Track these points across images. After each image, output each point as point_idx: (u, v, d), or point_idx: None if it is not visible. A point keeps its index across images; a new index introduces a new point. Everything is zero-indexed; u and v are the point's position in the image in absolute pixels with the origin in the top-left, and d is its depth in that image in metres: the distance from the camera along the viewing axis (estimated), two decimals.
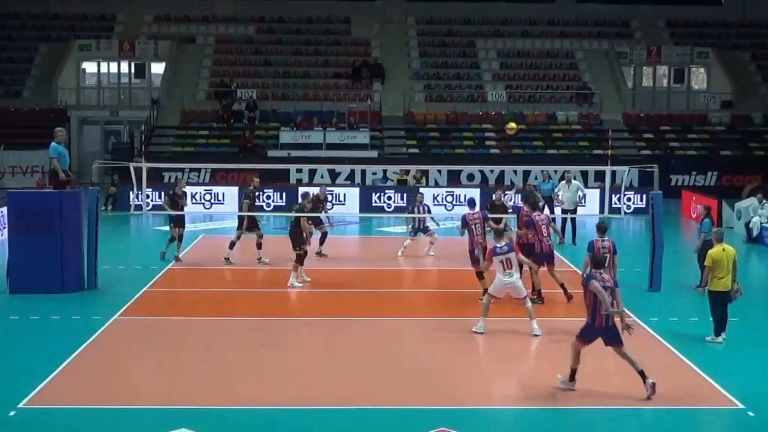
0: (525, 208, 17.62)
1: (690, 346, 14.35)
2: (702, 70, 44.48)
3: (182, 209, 21.52)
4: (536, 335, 14.70)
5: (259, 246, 20.88)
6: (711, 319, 14.69)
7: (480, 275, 16.72)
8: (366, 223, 29.25)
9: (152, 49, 42.69)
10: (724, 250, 14.45)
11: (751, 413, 11.42)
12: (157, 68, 42.92)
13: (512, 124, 22.48)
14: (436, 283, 18.14)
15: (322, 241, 21.98)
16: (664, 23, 46.43)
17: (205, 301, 17.50)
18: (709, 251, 14.51)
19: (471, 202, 18.40)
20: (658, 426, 11.18)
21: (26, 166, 36.39)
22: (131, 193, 24.32)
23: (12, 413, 11.04)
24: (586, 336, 12.12)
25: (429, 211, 22.83)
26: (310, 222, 21.71)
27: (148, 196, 26.09)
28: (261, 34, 45.00)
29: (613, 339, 12.02)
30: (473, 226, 16.98)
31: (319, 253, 21.75)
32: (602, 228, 14.90)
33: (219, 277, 19.72)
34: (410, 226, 22.85)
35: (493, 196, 21.99)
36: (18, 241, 17.69)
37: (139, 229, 27.60)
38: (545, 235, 16.95)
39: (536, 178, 31.61)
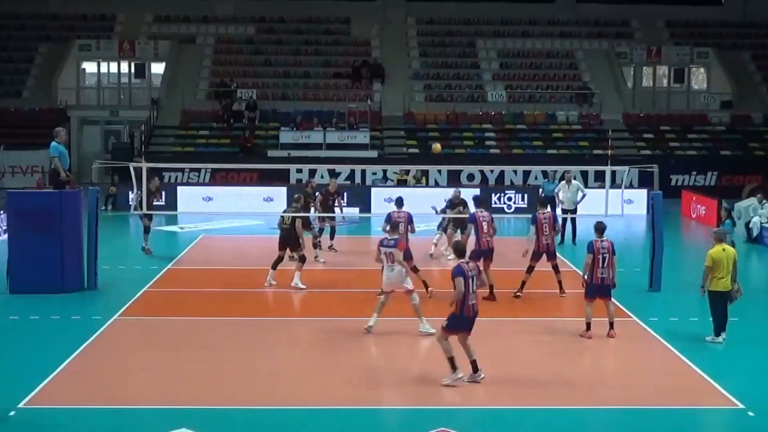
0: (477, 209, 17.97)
1: (690, 346, 14.35)
2: (702, 70, 44.46)
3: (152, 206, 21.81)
4: (428, 334, 14.64)
5: (314, 246, 21.20)
6: (711, 319, 14.69)
7: (415, 269, 17.06)
8: (365, 222, 29.23)
9: (152, 49, 42.68)
10: (724, 250, 14.46)
11: (751, 413, 11.42)
12: (157, 68, 42.89)
13: (437, 146, 23.17)
14: (437, 283, 18.10)
15: (332, 236, 22.50)
16: (664, 23, 46.43)
17: (204, 301, 17.49)
18: (709, 251, 14.51)
19: (399, 201, 18.64)
20: (658, 426, 11.17)
21: (26, 166, 36.35)
22: (131, 193, 24.32)
23: (12, 413, 11.05)
24: (452, 326, 12.27)
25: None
26: (323, 220, 21.83)
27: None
28: (261, 34, 44.99)
29: (471, 327, 12.32)
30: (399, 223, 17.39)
31: (330, 247, 22.37)
32: (600, 228, 14.92)
33: (219, 277, 19.70)
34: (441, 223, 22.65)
35: (452, 193, 22.42)
36: (18, 241, 17.69)
37: (139, 229, 27.49)
38: (485, 231, 17.17)
39: (536, 178, 31.68)
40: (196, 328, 15.40)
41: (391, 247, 14.80)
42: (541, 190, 26.04)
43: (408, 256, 16.98)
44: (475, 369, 12.25)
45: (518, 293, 17.66)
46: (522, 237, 23.75)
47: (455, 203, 21.95)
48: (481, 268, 12.73)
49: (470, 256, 16.58)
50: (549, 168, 28.15)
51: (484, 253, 17.21)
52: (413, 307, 14.84)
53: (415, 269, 17.10)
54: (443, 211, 21.83)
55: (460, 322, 12.24)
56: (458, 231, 21.88)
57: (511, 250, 22.89)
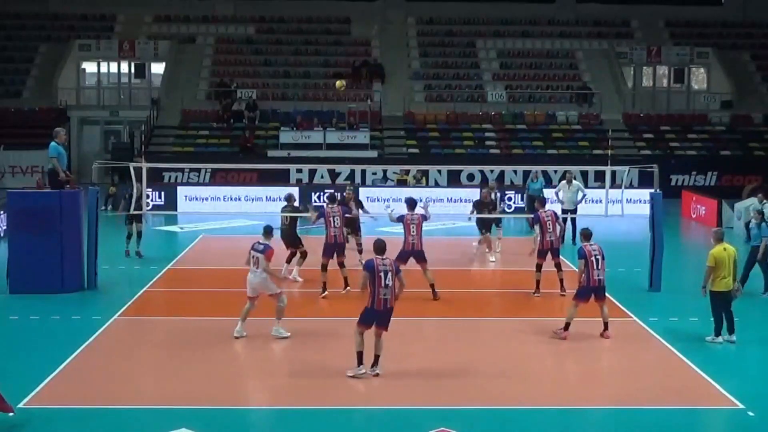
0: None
1: (690, 346, 14.35)
2: (702, 70, 44.47)
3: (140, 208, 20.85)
4: (281, 337, 14.54)
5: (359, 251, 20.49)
6: (712, 318, 14.69)
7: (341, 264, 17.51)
8: (362, 222, 29.11)
9: (152, 49, 42.68)
10: (725, 249, 14.45)
11: (751, 413, 11.42)
12: (157, 68, 42.90)
13: (340, 83, 22.25)
14: (437, 283, 18.12)
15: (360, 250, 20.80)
16: (664, 23, 46.43)
17: (205, 301, 17.50)
18: (711, 251, 14.48)
19: (331, 197, 18.89)
20: (659, 426, 11.16)
21: (26, 166, 36.34)
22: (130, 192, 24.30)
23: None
24: (364, 319, 12.60)
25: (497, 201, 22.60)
26: (349, 231, 20.17)
27: (148, 196, 26.07)
28: (261, 34, 44.99)
29: (386, 322, 12.63)
30: (331, 218, 17.56)
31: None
32: (587, 234, 15.03)
33: (219, 277, 19.68)
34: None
35: (482, 192, 22.00)
36: (18, 241, 17.70)
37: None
38: (411, 233, 17.30)
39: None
40: (196, 328, 15.39)
41: (259, 252, 14.43)
42: (526, 190, 26.02)
43: (341, 252, 17.58)
44: (375, 363, 12.58)
45: (536, 293, 17.73)
46: (521, 237, 23.76)
47: (485, 203, 21.53)
48: (399, 267, 13.04)
49: (397, 257, 16.73)
50: (534, 168, 28.22)
51: (409, 254, 17.33)
52: (277, 307, 14.57)
53: (341, 264, 17.46)
54: (471, 212, 21.44)
55: (371, 315, 12.58)
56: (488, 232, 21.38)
57: (510, 250, 22.93)
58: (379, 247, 12.89)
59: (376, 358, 12.61)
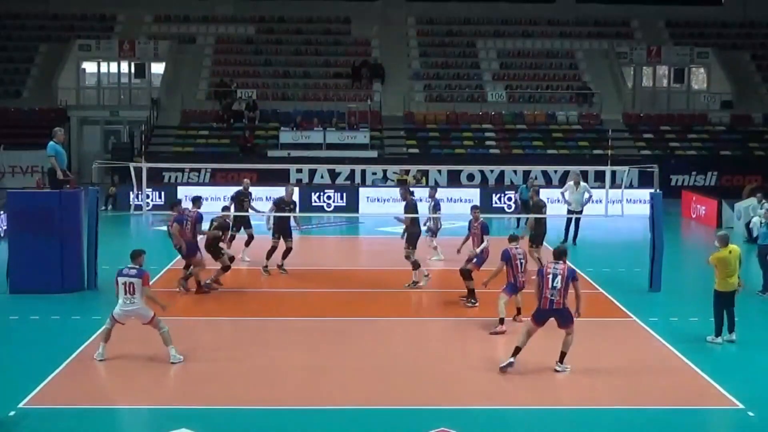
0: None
1: (690, 346, 14.34)
2: (702, 70, 44.49)
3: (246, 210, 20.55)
4: (173, 362, 13.13)
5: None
6: (712, 318, 14.68)
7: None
8: (361, 222, 29.17)
9: (152, 49, 42.72)
10: (730, 252, 14.43)
11: (751, 413, 11.42)
12: (157, 68, 42.94)
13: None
14: (436, 284, 18.13)
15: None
16: (664, 23, 46.44)
17: (204, 301, 17.48)
18: (715, 254, 14.46)
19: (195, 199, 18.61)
20: (659, 426, 11.17)
21: (26, 166, 36.38)
22: (131, 193, 24.35)
23: (12, 413, 11.05)
24: (535, 318, 12.88)
25: (438, 209, 21.28)
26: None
27: (148, 196, 26.08)
28: (261, 34, 45.01)
29: (565, 321, 12.87)
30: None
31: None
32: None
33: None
34: (425, 226, 21.24)
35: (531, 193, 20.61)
36: (18, 241, 17.70)
37: (139, 229, 27.60)
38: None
39: (536, 178, 31.65)
40: (195, 328, 15.41)
41: (132, 277, 12.94)
42: (517, 194, 25.91)
43: (193, 252, 17.87)
44: (560, 359, 12.98)
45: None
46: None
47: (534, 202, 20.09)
48: (576, 275, 13.15)
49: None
50: (522, 168, 28.29)
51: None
52: (162, 335, 13.23)
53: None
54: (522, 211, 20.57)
55: (540, 314, 12.93)
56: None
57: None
58: (557, 251, 13.15)
59: (562, 354, 12.90)
